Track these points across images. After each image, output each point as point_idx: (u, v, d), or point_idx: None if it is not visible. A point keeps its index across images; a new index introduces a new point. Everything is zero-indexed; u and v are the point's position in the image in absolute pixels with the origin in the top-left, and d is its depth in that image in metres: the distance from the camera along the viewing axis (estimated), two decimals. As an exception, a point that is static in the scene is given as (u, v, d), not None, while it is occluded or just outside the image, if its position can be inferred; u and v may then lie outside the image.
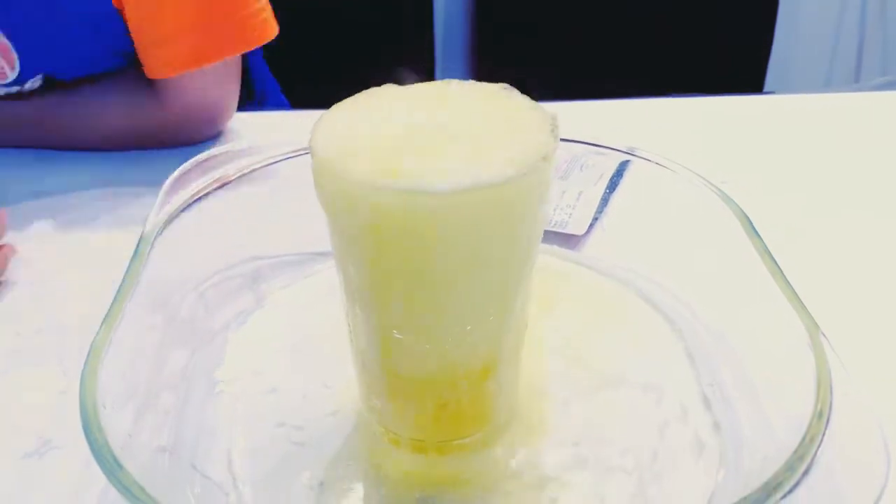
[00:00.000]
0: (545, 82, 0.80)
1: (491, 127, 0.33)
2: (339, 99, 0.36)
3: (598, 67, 1.42)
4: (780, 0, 1.43)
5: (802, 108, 0.81)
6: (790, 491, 0.31)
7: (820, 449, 0.32)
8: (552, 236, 0.55)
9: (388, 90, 0.36)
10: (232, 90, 0.74)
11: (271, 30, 0.72)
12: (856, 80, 1.72)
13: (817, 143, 0.73)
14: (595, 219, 0.57)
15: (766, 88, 1.51)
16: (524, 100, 0.36)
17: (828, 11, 1.67)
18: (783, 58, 1.59)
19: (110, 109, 0.73)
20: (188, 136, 0.73)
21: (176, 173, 0.49)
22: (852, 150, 0.71)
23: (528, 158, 0.32)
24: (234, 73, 0.75)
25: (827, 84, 1.73)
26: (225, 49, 0.71)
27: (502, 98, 0.36)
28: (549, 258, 0.54)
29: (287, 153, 0.51)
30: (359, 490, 0.40)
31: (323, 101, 0.38)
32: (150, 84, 0.72)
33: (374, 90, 0.36)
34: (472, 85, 0.36)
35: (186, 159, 0.50)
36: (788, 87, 1.66)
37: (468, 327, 0.36)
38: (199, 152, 0.51)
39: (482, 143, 0.32)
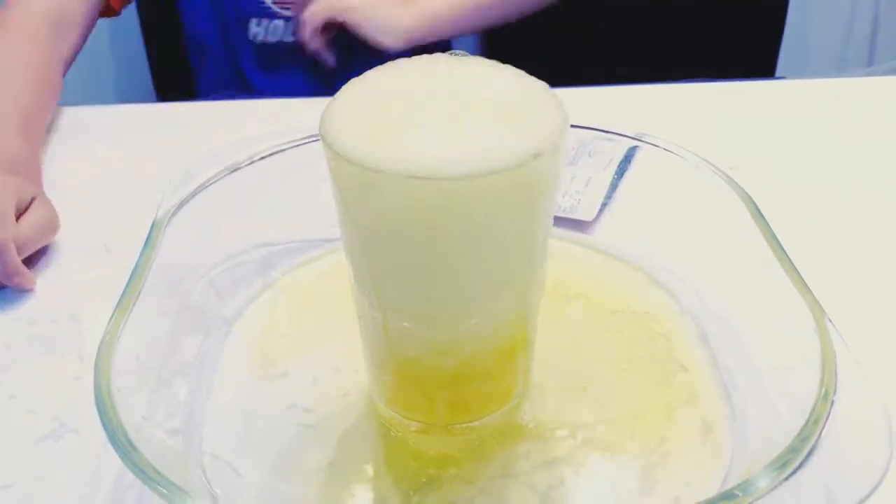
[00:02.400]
0: (553, 68, 0.80)
1: (502, 109, 0.33)
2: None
3: (607, 53, 1.41)
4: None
5: (813, 93, 0.81)
6: (794, 472, 0.31)
7: (824, 431, 0.32)
8: (561, 222, 0.56)
9: (396, 68, 0.36)
10: None
11: None
12: (869, 62, 1.71)
13: (828, 129, 0.72)
14: (604, 204, 0.57)
15: (778, 72, 1.49)
16: (533, 81, 0.35)
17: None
18: (796, 41, 1.58)
19: None
20: None
21: (188, 161, 0.49)
22: (863, 136, 0.71)
23: (541, 143, 0.32)
24: None
25: (840, 67, 1.71)
26: None
27: (513, 79, 0.35)
28: (559, 243, 0.54)
29: (297, 140, 0.51)
30: (368, 471, 0.40)
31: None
32: None
33: (381, 69, 0.35)
34: (481, 62, 0.36)
35: (198, 147, 0.50)
36: (801, 70, 1.64)
37: (479, 313, 0.36)
38: (210, 140, 0.51)
39: (495, 126, 0.32)
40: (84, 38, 0.79)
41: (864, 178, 0.64)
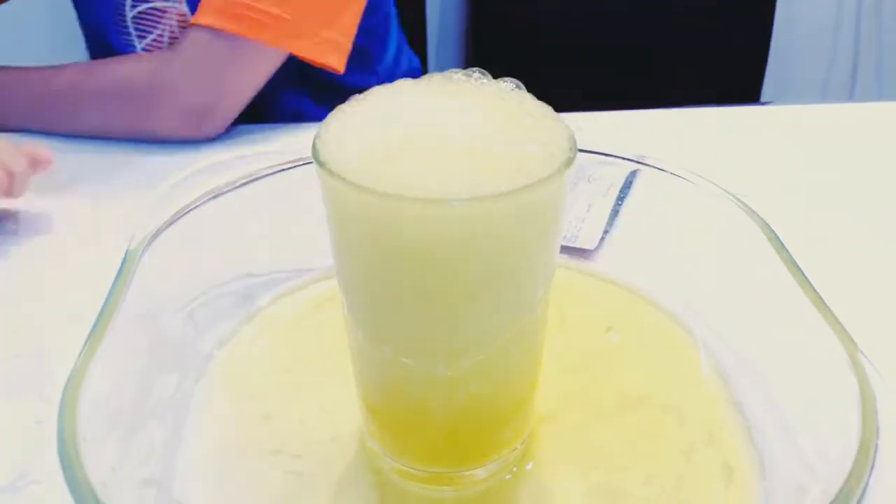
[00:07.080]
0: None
1: (506, 132, 0.31)
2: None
3: (593, 78, 1.41)
4: (777, 9, 1.43)
5: (800, 118, 0.80)
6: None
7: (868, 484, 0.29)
8: (562, 250, 0.53)
9: (399, 87, 0.33)
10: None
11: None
12: (850, 95, 1.72)
13: (815, 154, 0.71)
14: (605, 232, 0.54)
15: (763, 98, 1.50)
16: (538, 104, 0.33)
17: (823, 21, 1.67)
18: (779, 68, 1.59)
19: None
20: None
21: (164, 185, 0.46)
22: (850, 160, 0.69)
23: (546, 167, 0.29)
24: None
25: (823, 93, 1.72)
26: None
27: (515, 100, 0.33)
28: (562, 272, 0.51)
29: (281, 164, 0.48)
30: (362, 525, 0.37)
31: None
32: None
33: (382, 87, 0.33)
34: (484, 82, 0.34)
35: (174, 170, 0.47)
36: (785, 97, 1.66)
37: (483, 346, 0.33)
38: (189, 163, 0.48)
39: (498, 150, 0.30)
40: None
41: (871, 201, 0.62)
